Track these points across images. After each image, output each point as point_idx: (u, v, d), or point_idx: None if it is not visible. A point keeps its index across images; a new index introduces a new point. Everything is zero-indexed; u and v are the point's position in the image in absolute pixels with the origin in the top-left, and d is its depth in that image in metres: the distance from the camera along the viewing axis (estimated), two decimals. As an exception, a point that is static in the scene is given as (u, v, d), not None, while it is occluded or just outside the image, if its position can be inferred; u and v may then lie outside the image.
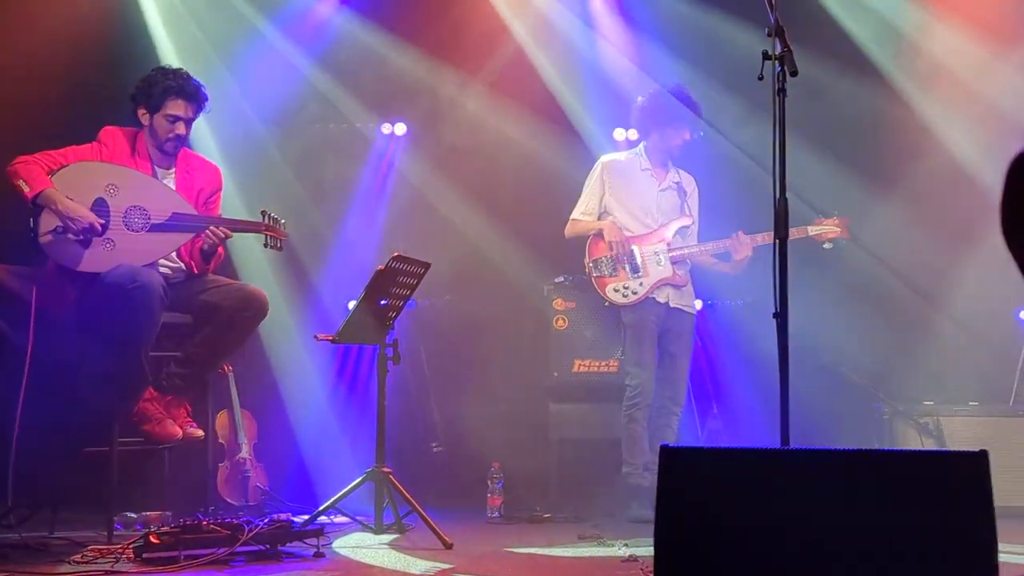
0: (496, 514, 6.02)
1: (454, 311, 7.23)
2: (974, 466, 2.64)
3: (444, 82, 7.45)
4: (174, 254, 5.23)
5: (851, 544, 2.66)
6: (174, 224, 5.04)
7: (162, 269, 5.16)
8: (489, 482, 6.06)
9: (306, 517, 5.13)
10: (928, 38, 7.19)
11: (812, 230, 6.07)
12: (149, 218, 4.99)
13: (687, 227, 6.23)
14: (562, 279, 6.73)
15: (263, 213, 5.27)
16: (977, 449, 2.65)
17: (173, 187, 5.23)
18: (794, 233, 5.82)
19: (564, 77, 7.46)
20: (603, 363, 6.65)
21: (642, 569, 4.24)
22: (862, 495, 2.72)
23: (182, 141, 5.29)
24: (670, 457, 2.76)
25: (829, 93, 7.05)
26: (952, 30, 7.09)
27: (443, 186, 7.42)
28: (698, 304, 6.39)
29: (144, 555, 4.22)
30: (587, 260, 6.14)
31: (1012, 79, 6.77)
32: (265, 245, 5.28)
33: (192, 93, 5.22)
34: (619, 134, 7.32)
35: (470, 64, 7.44)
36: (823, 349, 6.75)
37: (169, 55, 6.87)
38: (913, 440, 6.47)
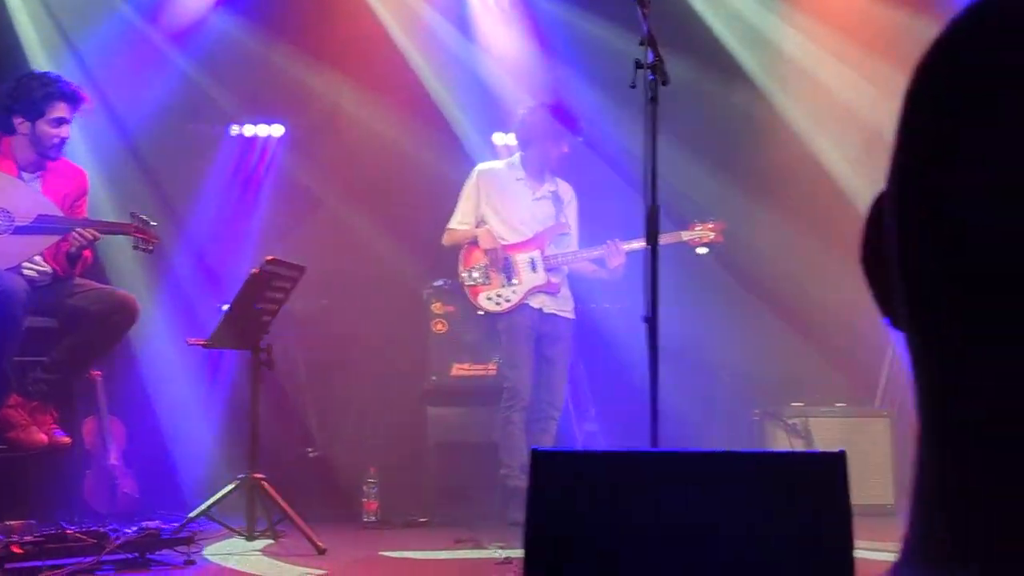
0: (372, 519, 5.99)
1: (331, 315, 7.16)
2: (832, 466, 2.71)
3: (322, 84, 7.38)
4: (39, 257, 5.08)
5: (717, 545, 2.71)
6: (39, 226, 4.91)
7: (27, 272, 5.02)
8: (365, 487, 6.03)
9: (177, 524, 5.04)
10: (793, 46, 7.39)
11: (686, 235, 6.13)
12: (13, 220, 4.85)
13: (564, 235, 6.28)
14: (441, 283, 6.71)
15: (133, 215, 5.17)
16: (838, 449, 2.73)
17: (40, 191, 5.10)
18: (668, 238, 5.91)
19: (443, 80, 7.46)
20: (482, 366, 6.65)
21: (515, 572, 4.26)
22: (727, 496, 2.77)
23: (65, 143, 5.18)
24: (540, 461, 2.77)
25: (703, 98, 7.17)
26: (816, 37, 7.29)
27: (320, 188, 7.35)
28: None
29: (6, 566, 4.10)
30: (461, 269, 6.16)
31: (870, 90, 6.98)
32: (135, 247, 5.18)
33: (72, 95, 5.15)
34: (499, 138, 7.34)
35: (348, 66, 7.38)
36: (696, 352, 6.86)
37: (36, 54, 6.69)
38: (782, 441, 6.62)
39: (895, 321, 0.62)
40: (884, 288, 0.63)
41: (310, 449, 6.88)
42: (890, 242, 0.60)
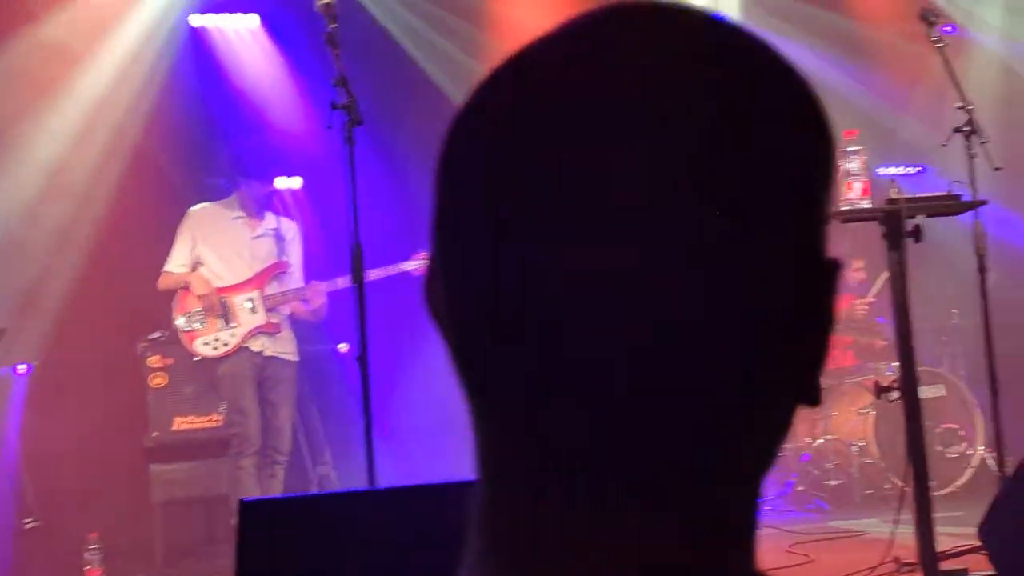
0: (95, 587, 5.73)
1: (43, 376, 6.80)
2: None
3: (22, 119, 6.98)
4: None
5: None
6: None
7: None
8: (87, 554, 5.76)
9: None
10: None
11: (408, 265, 6.09)
12: None
13: (285, 274, 6.17)
14: (158, 335, 6.48)
15: None
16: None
17: None
18: (389, 271, 5.92)
19: (148, 118, 7.23)
20: (206, 418, 6.47)
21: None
22: (446, 531, 2.78)
23: None
24: (246, 510, 2.73)
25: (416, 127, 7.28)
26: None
27: (20, 238, 6.95)
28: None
29: None
30: (176, 315, 5.97)
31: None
32: None
33: None
34: (211, 180, 7.17)
35: (48, 99, 7.04)
36: (440, 380, 6.89)
37: None
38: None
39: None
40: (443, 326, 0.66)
41: (27, 520, 6.52)
42: (439, 292, 0.62)
